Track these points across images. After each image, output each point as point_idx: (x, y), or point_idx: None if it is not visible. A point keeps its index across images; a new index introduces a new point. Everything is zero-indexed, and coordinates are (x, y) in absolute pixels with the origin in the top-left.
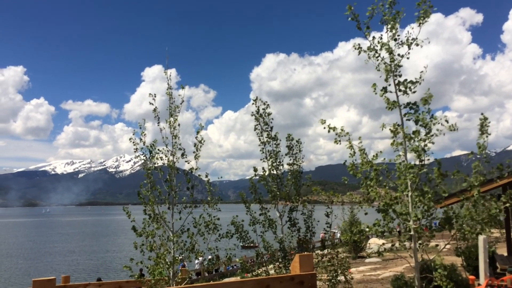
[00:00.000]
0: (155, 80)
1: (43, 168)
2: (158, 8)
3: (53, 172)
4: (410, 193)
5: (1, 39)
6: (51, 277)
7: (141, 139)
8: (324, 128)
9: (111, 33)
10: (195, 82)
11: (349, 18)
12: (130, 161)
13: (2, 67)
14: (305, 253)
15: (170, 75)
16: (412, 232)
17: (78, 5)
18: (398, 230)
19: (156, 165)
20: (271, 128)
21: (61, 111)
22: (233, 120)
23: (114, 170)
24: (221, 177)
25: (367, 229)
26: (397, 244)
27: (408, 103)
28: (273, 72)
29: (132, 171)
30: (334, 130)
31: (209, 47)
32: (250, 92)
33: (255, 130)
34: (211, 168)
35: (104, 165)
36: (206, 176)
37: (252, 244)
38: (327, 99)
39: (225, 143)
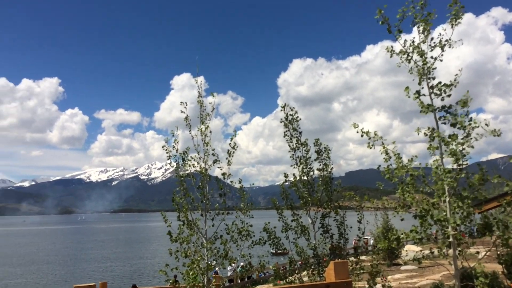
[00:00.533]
0: (184, 88)
1: (78, 176)
2: (185, 16)
3: (88, 180)
4: (448, 199)
5: (37, 51)
6: (91, 283)
7: (174, 147)
8: (357, 132)
9: (141, 43)
10: (223, 89)
11: (380, 22)
12: (161, 168)
13: (38, 78)
14: (340, 260)
15: (201, 83)
16: (451, 239)
17: (109, 17)
18: (435, 236)
19: (188, 172)
20: (300, 133)
21: (95, 120)
22: (261, 126)
23: (146, 177)
24: (253, 184)
25: (404, 236)
26: (436, 251)
27: (443, 106)
28: (300, 77)
29: (163, 178)
30: (367, 135)
31: (236, 53)
32: (277, 98)
33: (284, 136)
34: (240, 174)
35: (136, 172)
36: (240, 183)
37: (282, 251)
38: (355, 103)
39: (254, 149)
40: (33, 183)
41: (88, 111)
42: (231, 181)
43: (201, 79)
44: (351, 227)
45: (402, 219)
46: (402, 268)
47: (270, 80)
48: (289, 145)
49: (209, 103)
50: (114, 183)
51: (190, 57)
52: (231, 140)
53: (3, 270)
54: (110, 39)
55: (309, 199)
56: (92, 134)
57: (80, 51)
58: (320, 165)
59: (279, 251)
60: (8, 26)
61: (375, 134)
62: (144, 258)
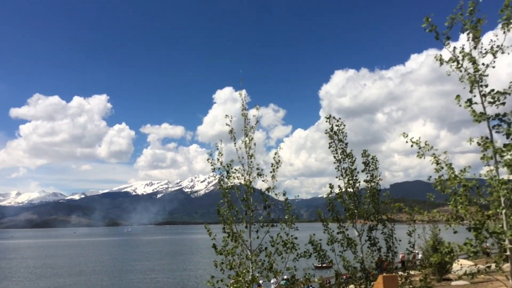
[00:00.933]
0: (226, 102)
1: (125, 189)
2: (227, 31)
3: (134, 193)
4: (504, 210)
5: (87, 69)
6: None
7: (218, 159)
8: (407, 142)
9: (184, 58)
10: (265, 101)
11: (427, 30)
12: (204, 181)
13: (88, 96)
14: (389, 274)
15: (245, 97)
16: (508, 253)
17: (153, 34)
18: (487, 250)
19: (233, 184)
20: (346, 145)
21: (140, 135)
22: (303, 138)
23: (190, 190)
24: (298, 196)
25: (458, 249)
26: (493, 266)
27: (497, 115)
28: (342, 88)
29: (206, 191)
30: (417, 144)
31: (277, 66)
32: (319, 110)
33: (329, 147)
34: (283, 187)
35: (180, 185)
36: (284, 195)
37: (325, 264)
38: (400, 114)
39: (296, 162)
40: (82, 196)
41: (134, 126)
42: (276, 194)
43: (243, 92)
44: (400, 240)
45: (455, 232)
46: (453, 283)
47: (311, 92)
48: (334, 157)
49: (253, 116)
50: (159, 195)
51: (232, 71)
52: (275, 154)
53: (54, 281)
54: (155, 55)
55: (356, 211)
56: (138, 148)
57: (126, 68)
58: (367, 176)
59: (323, 264)
60: (60, 46)
61: (426, 144)
62: (187, 270)
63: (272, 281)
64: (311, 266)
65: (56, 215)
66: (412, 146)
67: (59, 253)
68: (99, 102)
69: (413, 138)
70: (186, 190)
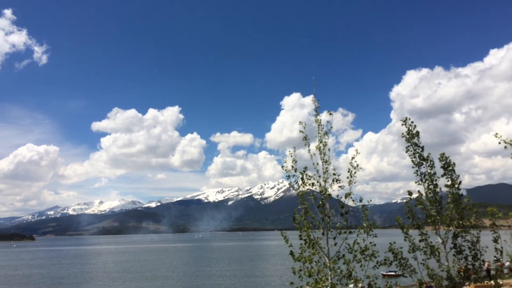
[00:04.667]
0: (293, 108)
1: (197, 197)
2: (293, 38)
3: (206, 200)
4: None
5: (160, 83)
6: None
7: (292, 166)
8: (499, 143)
9: (251, 66)
10: (333, 106)
11: None
12: (273, 187)
13: (162, 108)
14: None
15: (318, 102)
16: None
17: (219, 43)
18: None
19: (307, 190)
20: (422, 148)
21: (211, 143)
22: (374, 142)
23: (260, 196)
24: (370, 200)
25: None
26: None
27: None
28: (414, 89)
29: (276, 198)
30: (511, 144)
31: (345, 69)
32: (390, 112)
33: (406, 152)
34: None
35: (250, 192)
36: (360, 201)
37: (393, 273)
38: (480, 113)
39: (368, 166)
40: (158, 203)
41: (205, 135)
42: (353, 200)
43: (311, 98)
44: (487, 247)
45: None
46: None
47: (382, 94)
48: (412, 161)
49: (327, 121)
50: (229, 202)
51: (299, 77)
52: (352, 159)
53: (133, 285)
54: (223, 65)
55: (438, 217)
56: (209, 156)
57: (196, 79)
58: (447, 180)
59: (392, 273)
60: (135, 62)
61: None
62: (261, 276)
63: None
64: (378, 274)
65: (134, 222)
66: (505, 147)
67: (136, 258)
68: (171, 113)
69: (501, 137)
70: (256, 196)
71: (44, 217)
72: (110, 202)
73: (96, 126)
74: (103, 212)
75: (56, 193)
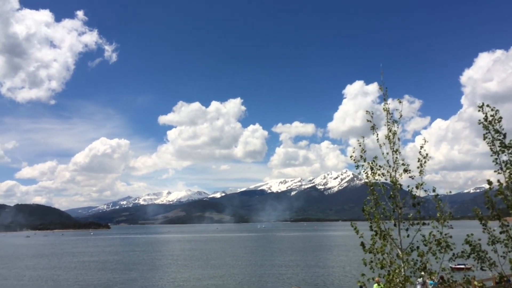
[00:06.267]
0: (356, 96)
1: (261, 188)
2: (355, 25)
3: (269, 191)
4: None
5: (223, 76)
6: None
7: (361, 156)
8: None
9: (312, 55)
10: (398, 93)
11: None
12: (337, 177)
13: (224, 100)
14: None
15: (386, 91)
16: None
17: (279, 33)
18: None
19: (377, 181)
20: (504, 135)
21: (273, 134)
22: (444, 130)
23: (323, 187)
24: (450, 192)
25: None
26: None
27: None
28: (488, 72)
29: (340, 188)
30: None
31: (411, 55)
32: (461, 97)
33: (484, 139)
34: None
35: (313, 182)
36: (434, 191)
37: (462, 266)
38: None
39: (437, 155)
40: (223, 194)
41: (266, 126)
42: (425, 190)
43: (374, 86)
44: None
45: None
46: None
47: (451, 78)
48: (491, 149)
49: (396, 109)
50: (293, 193)
51: (362, 65)
52: (421, 149)
53: (200, 273)
54: (283, 56)
55: None
56: (271, 147)
57: (257, 70)
58: None
59: (461, 266)
60: (198, 56)
61: None
62: (323, 267)
63: (419, 280)
64: (447, 267)
65: (201, 212)
66: None
67: (202, 246)
68: (234, 105)
69: None
70: (319, 187)
71: (117, 207)
72: (177, 193)
73: (163, 119)
74: (171, 202)
75: (128, 184)
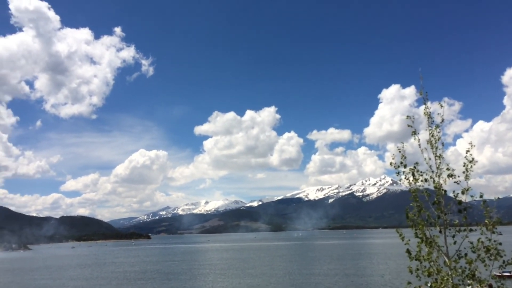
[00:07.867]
0: (393, 101)
1: (297, 195)
2: (390, 28)
3: (306, 199)
4: None
5: (256, 85)
6: None
7: (401, 162)
8: None
9: (346, 60)
10: (436, 96)
11: None
12: (376, 184)
13: (258, 109)
14: None
15: (426, 95)
16: None
17: (312, 39)
18: None
19: (420, 187)
20: None
21: (308, 141)
22: (486, 132)
23: (361, 194)
24: (498, 198)
25: None
26: None
27: None
28: None
29: (379, 194)
30: None
31: (448, 56)
32: (503, 98)
33: None
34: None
35: (351, 189)
36: (481, 196)
37: (509, 273)
38: None
39: (480, 158)
40: (260, 202)
41: (302, 134)
42: (472, 196)
43: (411, 89)
44: None
45: None
46: None
47: (492, 79)
48: None
49: (438, 114)
50: (330, 200)
51: (398, 68)
52: (467, 153)
53: (238, 282)
54: (316, 62)
55: None
56: (307, 154)
57: (291, 78)
58: None
59: (506, 273)
60: (232, 66)
61: None
62: (362, 276)
63: None
64: (489, 274)
65: (238, 221)
66: None
67: (240, 255)
68: (268, 114)
69: None
70: (357, 194)
71: (157, 217)
72: (215, 202)
73: (198, 130)
74: (209, 212)
75: (166, 194)
